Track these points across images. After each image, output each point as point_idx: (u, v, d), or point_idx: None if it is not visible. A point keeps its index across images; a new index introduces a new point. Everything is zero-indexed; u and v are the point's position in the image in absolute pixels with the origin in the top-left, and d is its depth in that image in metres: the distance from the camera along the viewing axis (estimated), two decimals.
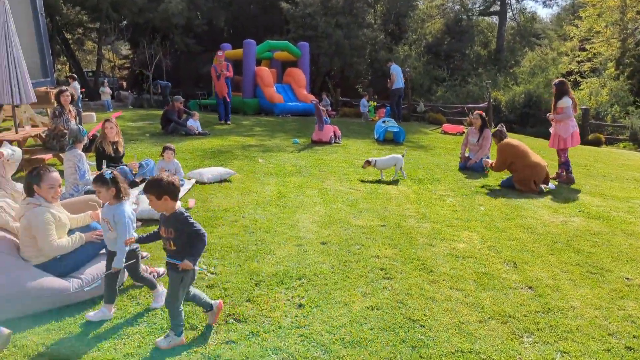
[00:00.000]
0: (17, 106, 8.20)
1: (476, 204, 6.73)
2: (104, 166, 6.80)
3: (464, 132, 14.24)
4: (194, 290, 3.46)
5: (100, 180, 3.48)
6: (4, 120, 10.97)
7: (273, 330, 3.47)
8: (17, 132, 8.16)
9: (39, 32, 18.14)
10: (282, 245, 5.01)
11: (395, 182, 7.84)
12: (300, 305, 3.83)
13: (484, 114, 9.53)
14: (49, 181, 3.87)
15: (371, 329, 3.52)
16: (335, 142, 11.56)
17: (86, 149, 6.76)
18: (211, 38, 27.58)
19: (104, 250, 4.09)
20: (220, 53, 14.54)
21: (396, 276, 4.38)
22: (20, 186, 4.39)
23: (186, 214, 3.20)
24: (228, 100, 14.47)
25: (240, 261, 4.60)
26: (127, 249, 3.51)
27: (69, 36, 30.82)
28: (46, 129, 8.67)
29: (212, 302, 3.53)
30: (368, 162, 8.02)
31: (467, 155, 9.31)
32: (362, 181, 7.84)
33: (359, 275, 4.37)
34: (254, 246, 4.97)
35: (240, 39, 20.24)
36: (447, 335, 3.47)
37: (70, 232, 4.13)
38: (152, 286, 3.83)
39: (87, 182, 5.87)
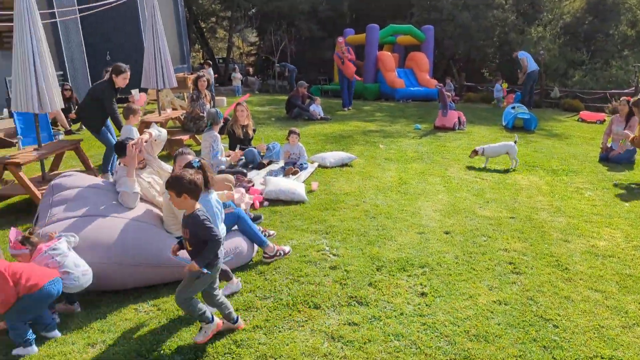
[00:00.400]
0: (159, 90, 8.94)
1: (619, 199, 6.12)
2: (238, 148, 7.17)
3: (604, 121, 13.01)
4: (223, 298, 3.31)
5: (188, 167, 3.55)
6: (148, 104, 12.02)
7: (395, 316, 3.45)
8: (159, 115, 8.91)
9: (179, 22, 19.67)
10: (403, 232, 4.96)
11: (523, 172, 7.37)
12: (423, 294, 3.76)
13: (632, 100, 8.60)
14: (178, 163, 4.16)
15: (498, 324, 3.36)
16: (459, 129, 11.15)
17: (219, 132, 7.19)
18: (335, 24, 27.85)
19: (236, 227, 4.35)
20: (340, 40, 14.64)
21: (526, 271, 4.13)
22: (165, 164, 4.78)
23: (203, 217, 3.01)
24: (358, 79, 14.48)
25: (362, 245, 4.63)
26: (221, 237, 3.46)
27: (203, 25, 32.90)
28: (184, 112, 9.37)
29: (236, 317, 3.32)
30: (475, 152, 7.61)
31: (609, 145, 8.49)
32: (489, 170, 7.48)
33: (485, 268, 4.19)
34: (375, 231, 4.97)
35: (364, 24, 20.20)
36: (584, 339, 3.21)
37: None
38: (227, 277, 3.73)
39: (218, 162, 6.24)
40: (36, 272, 3.16)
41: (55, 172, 6.43)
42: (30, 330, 3.17)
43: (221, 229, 3.50)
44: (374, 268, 4.17)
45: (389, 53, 19.86)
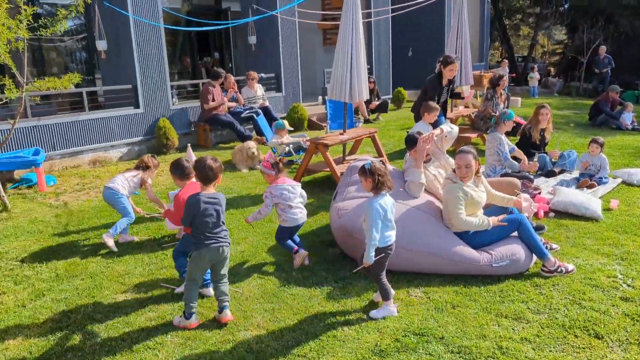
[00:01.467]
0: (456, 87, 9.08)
1: None
2: (536, 157, 6.79)
3: None
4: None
5: (360, 169, 3.47)
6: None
7: None
8: (451, 111, 9.07)
9: (483, 19, 19.52)
10: None
11: None
12: None
13: None
14: (456, 160, 4.18)
15: None
16: None
17: (511, 133, 6.93)
18: None
19: (516, 233, 4.19)
20: None
21: None
22: (452, 159, 4.88)
23: (191, 201, 3.34)
24: None
25: None
26: (375, 243, 3.36)
27: (507, 22, 31.89)
28: (476, 110, 9.32)
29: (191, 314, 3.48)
30: None
31: None
32: None
33: None
34: None
35: None
36: None
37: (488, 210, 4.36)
38: (385, 296, 3.53)
39: (511, 165, 6.00)
40: None
41: (352, 156, 7.21)
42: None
43: (387, 236, 3.44)
44: None
45: None
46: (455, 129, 4.87)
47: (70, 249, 4.86)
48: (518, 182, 5.04)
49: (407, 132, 9.04)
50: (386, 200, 3.47)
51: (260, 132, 9.23)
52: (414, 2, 10.75)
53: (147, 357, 3.14)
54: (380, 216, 3.39)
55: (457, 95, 7.89)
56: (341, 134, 6.67)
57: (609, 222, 5.19)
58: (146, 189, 5.09)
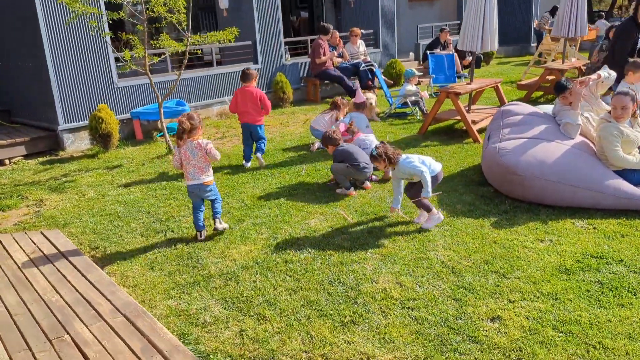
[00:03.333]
0: (570, 39, 8.97)
1: None
2: None
3: None
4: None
5: (370, 156, 4.29)
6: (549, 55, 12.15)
7: None
8: (563, 63, 9.04)
9: None
10: None
11: None
12: None
13: None
14: (613, 102, 4.37)
15: None
16: None
17: None
18: None
19: None
20: None
21: None
22: (604, 105, 5.04)
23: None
24: None
25: None
26: (429, 183, 4.09)
27: None
28: (587, 62, 9.24)
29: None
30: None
31: None
32: None
33: None
34: None
35: None
36: None
37: None
38: (428, 209, 4.25)
39: None
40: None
41: (475, 105, 7.43)
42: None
43: (432, 169, 4.23)
44: None
45: None
46: (613, 74, 4.99)
47: (245, 184, 5.46)
48: None
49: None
50: (404, 159, 4.19)
51: (368, 86, 9.56)
52: None
53: (358, 269, 3.65)
54: (422, 165, 4.15)
55: None
56: (468, 83, 6.91)
57: None
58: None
